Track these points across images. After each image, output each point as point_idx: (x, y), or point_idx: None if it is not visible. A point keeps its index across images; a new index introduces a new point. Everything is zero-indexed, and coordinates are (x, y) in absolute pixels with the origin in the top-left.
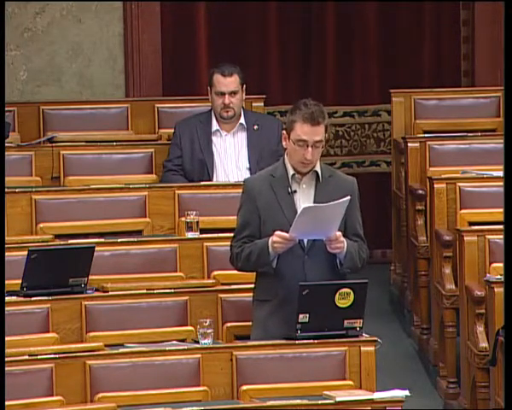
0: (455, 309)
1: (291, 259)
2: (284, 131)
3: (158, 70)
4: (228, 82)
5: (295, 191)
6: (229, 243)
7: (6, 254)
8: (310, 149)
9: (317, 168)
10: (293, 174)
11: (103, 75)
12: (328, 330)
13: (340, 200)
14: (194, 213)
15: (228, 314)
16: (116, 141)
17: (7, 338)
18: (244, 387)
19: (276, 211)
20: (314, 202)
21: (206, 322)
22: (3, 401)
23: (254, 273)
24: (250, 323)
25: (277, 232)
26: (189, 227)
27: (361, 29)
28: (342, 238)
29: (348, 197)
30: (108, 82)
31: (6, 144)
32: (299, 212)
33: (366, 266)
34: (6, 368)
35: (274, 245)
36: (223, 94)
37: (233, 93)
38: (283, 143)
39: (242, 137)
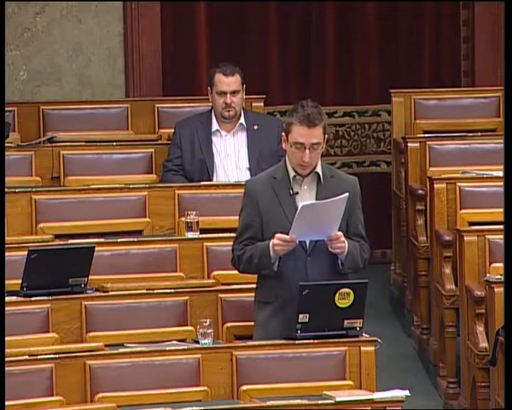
0: (455, 309)
1: (293, 261)
2: (283, 133)
3: (158, 70)
4: (230, 81)
5: (297, 193)
6: (229, 243)
7: (6, 254)
8: (307, 151)
9: (318, 169)
10: (294, 176)
11: (103, 75)
12: (328, 330)
13: (339, 196)
14: (194, 213)
15: (228, 314)
16: (116, 141)
17: (7, 338)
18: (244, 387)
19: (278, 213)
20: None
21: (206, 322)
22: (3, 401)
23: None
24: (250, 323)
25: (278, 235)
26: (189, 227)
27: (361, 29)
28: (343, 238)
29: (346, 194)
30: (108, 82)
31: (6, 144)
32: (297, 210)
33: (366, 265)
34: (6, 368)
35: (275, 248)
36: (225, 93)
37: (235, 92)
38: (283, 145)
39: (242, 137)
